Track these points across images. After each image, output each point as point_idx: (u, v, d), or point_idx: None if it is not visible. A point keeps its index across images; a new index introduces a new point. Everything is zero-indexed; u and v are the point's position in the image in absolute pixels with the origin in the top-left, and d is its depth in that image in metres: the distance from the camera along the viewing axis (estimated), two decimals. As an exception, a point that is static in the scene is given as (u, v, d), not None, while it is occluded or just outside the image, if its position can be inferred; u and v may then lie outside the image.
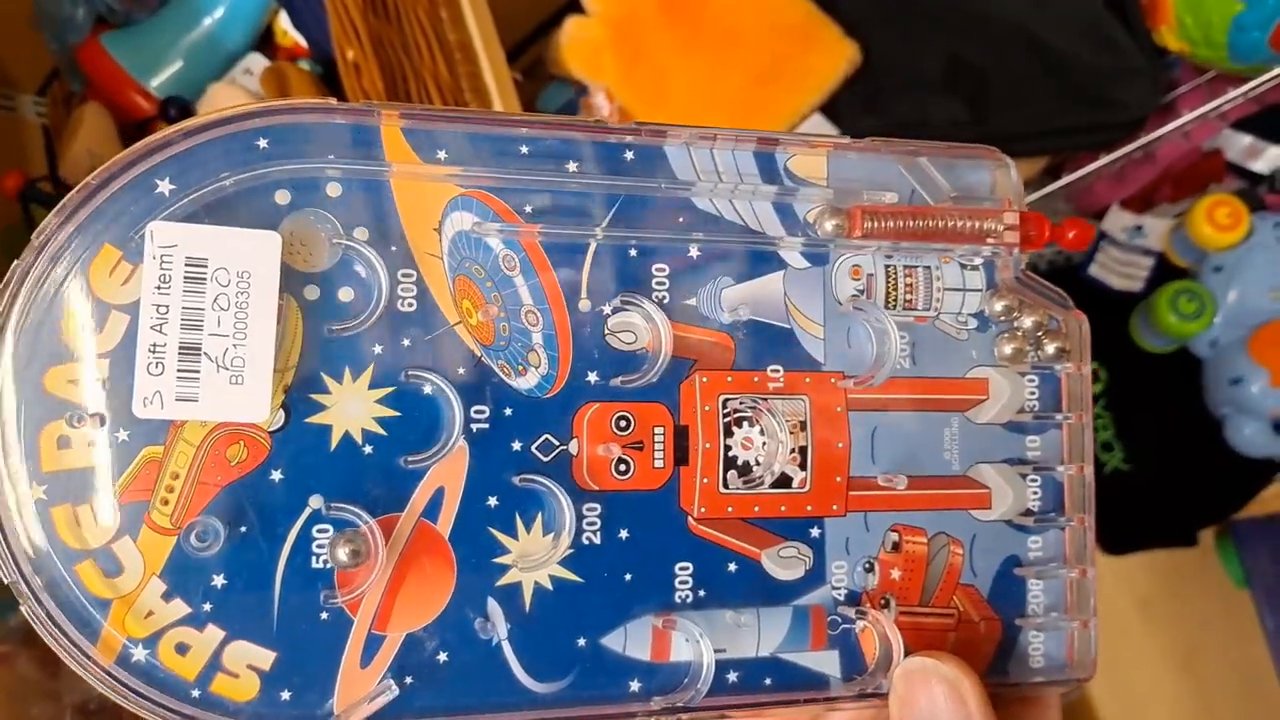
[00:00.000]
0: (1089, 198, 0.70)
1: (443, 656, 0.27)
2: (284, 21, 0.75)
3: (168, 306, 0.24)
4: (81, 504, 0.24)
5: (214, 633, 0.25)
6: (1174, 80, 0.66)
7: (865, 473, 0.30)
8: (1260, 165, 0.66)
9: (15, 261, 0.24)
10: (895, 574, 0.30)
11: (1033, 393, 0.32)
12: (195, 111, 0.65)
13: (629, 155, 0.28)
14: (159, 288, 0.24)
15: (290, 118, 0.26)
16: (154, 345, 0.24)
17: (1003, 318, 0.31)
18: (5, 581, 0.24)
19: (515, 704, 0.27)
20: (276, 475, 0.26)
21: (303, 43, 0.75)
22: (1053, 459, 0.32)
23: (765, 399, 0.29)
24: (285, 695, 0.25)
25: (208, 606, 0.25)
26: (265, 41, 0.77)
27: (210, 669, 0.25)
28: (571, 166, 0.28)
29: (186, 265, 0.24)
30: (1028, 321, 0.31)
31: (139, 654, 0.25)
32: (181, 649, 0.25)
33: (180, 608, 0.25)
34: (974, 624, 0.31)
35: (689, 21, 0.64)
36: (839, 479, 0.30)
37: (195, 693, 0.25)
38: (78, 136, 0.67)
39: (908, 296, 0.30)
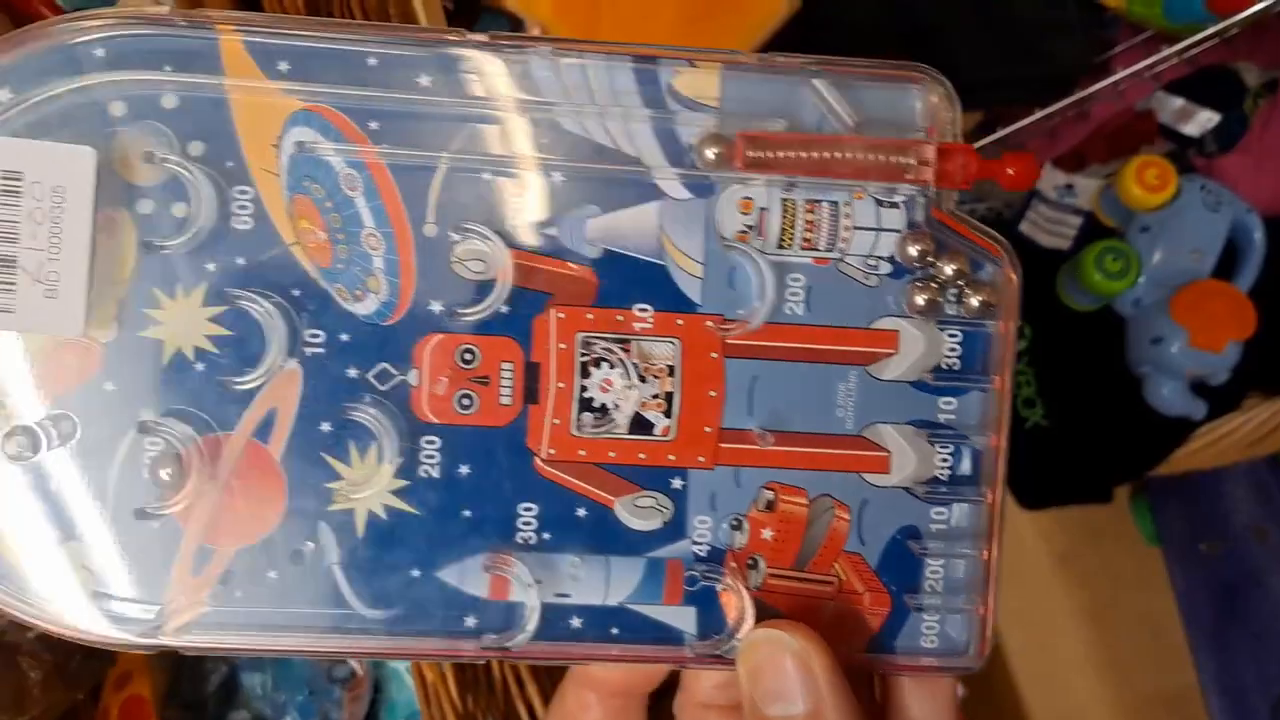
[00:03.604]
0: (1021, 155, 0.69)
1: (272, 574, 0.27)
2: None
3: (-19, 219, 0.24)
4: (-75, 401, 0.26)
5: (48, 531, 0.26)
6: (1111, 39, 0.65)
7: (740, 425, 0.28)
8: (1190, 128, 0.66)
9: None
10: (767, 534, 0.28)
11: (953, 349, 0.28)
12: None
13: (487, 67, 0.26)
14: (-25, 199, 0.24)
15: (127, 28, 0.25)
16: (-31, 257, 0.24)
17: (918, 264, 0.27)
18: None
19: (343, 627, 0.27)
20: (109, 386, 0.26)
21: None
22: (968, 425, 0.28)
23: (629, 340, 0.27)
24: (118, 596, 0.26)
25: (43, 507, 0.26)
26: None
27: (45, 566, 0.26)
28: (423, 80, 0.26)
29: (2, 179, 0.24)
30: (948, 269, 0.27)
31: None
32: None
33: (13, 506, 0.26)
34: (858, 595, 0.28)
35: (624, -44, 0.63)
36: (708, 429, 0.28)
37: (34, 585, 0.26)
38: None
39: (807, 235, 0.27)
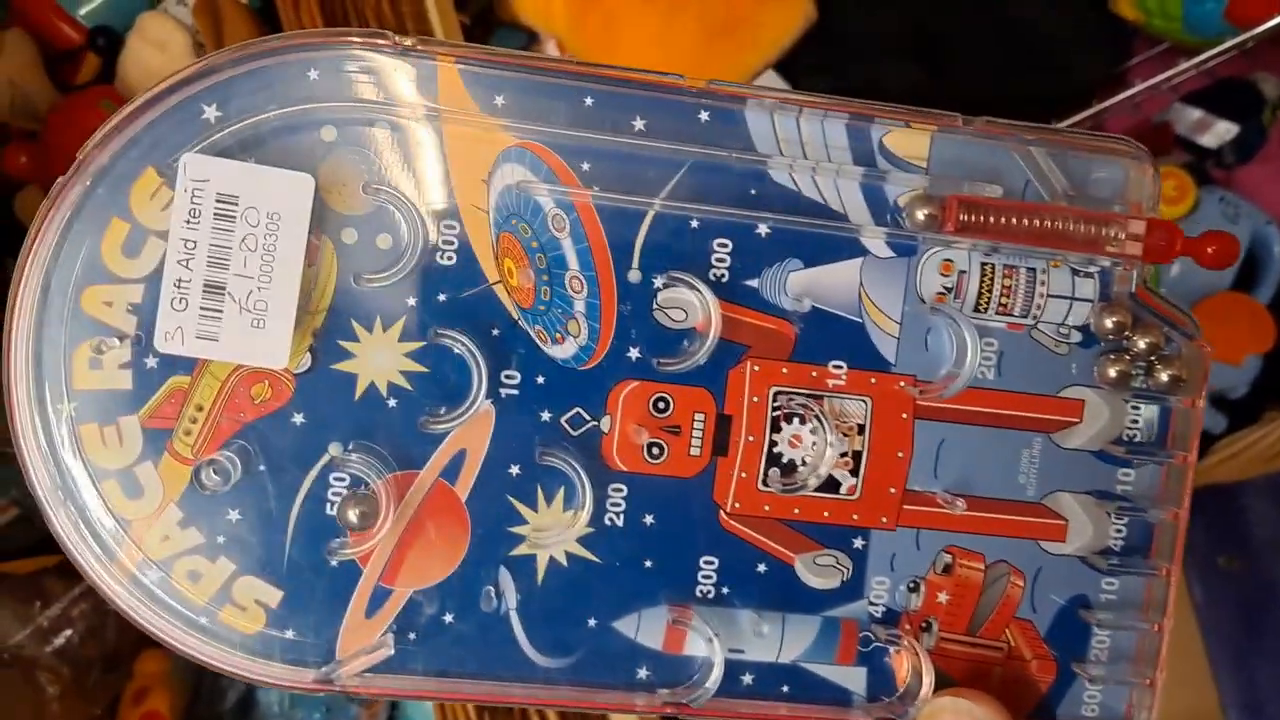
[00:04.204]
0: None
1: (448, 618, 0.26)
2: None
3: (195, 242, 0.23)
4: (108, 425, 0.25)
5: (225, 565, 0.25)
6: (1129, 52, 0.65)
7: (925, 487, 0.27)
8: (1208, 139, 0.64)
9: (59, 179, 0.24)
10: (942, 597, 0.28)
11: (1135, 421, 0.28)
12: (124, 42, 0.61)
13: (704, 116, 0.26)
14: (188, 222, 0.23)
15: (341, 51, 0.25)
16: (179, 280, 0.23)
17: (1112, 335, 0.27)
18: (35, 491, 0.25)
19: (516, 675, 0.27)
20: (298, 419, 0.25)
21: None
22: (1145, 498, 0.28)
23: (822, 396, 0.27)
24: (289, 634, 0.26)
25: (221, 539, 0.25)
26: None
27: (219, 599, 0.25)
28: (638, 124, 0.26)
29: (217, 201, 0.23)
30: (1141, 343, 0.27)
31: (153, 575, 0.25)
32: (194, 576, 0.25)
33: (195, 536, 0.25)
34: (1025, 661, 0.28)
35: (642, -30, 0.62)
36: (893, 490, 0.27)
37: (203, 620, 0.25)
38: None
39: (1003, 300, 0.27)
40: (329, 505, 0.25)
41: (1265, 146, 0.65)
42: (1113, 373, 0.27)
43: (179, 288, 0.23)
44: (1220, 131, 0.64)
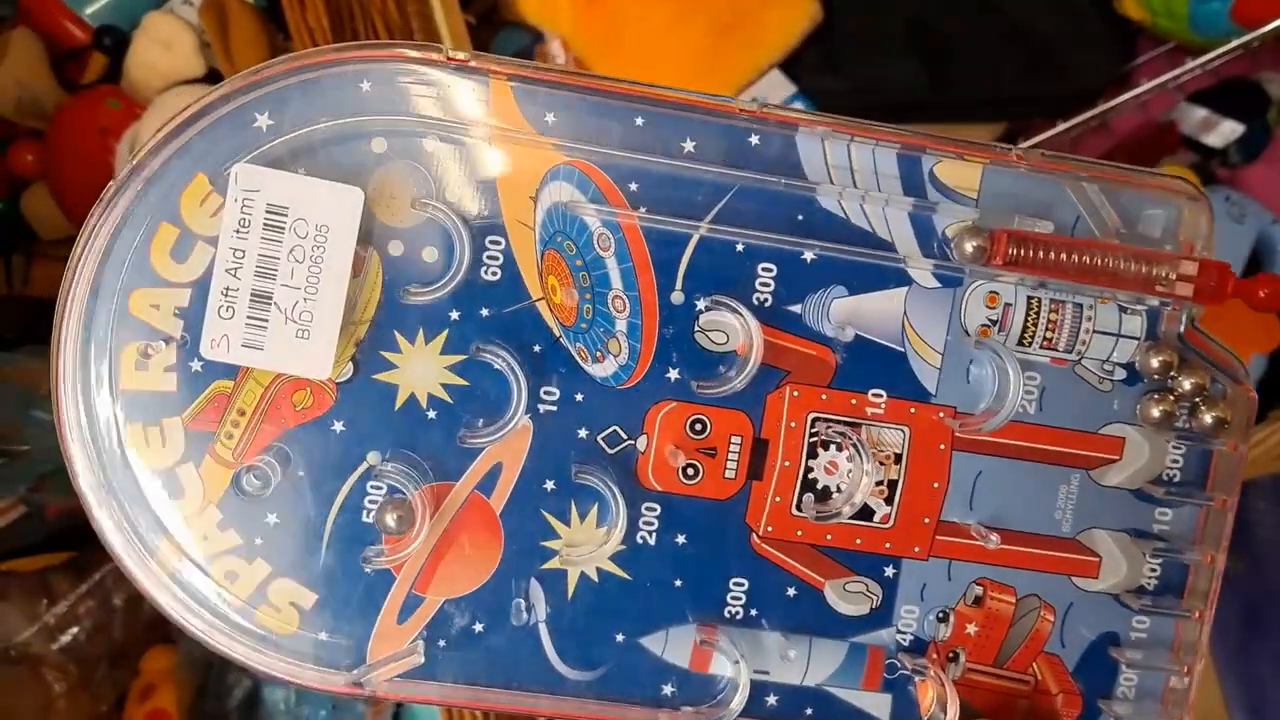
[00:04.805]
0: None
1: (479, 627, 0.26)
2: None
3: (244, 251, 0.24)
4: (152, 425, 0.25)
5: (262, 566, 0.26)
6: (1134, 51, 0.65)
7: (959, 518, 0.27)
8: (1214, 139, 0.64)
9: (111, 182, 0.24)
10: (971, 629, 0.28)
11: (1175, 461, 0.28)
12: (130, 41, 0.61)
13: (754, 140, 0.26)
14: (238, 231, 0.24)
15: (395, 65, 0.25)
16: (227, 289, 0.24)
17: (1158, 375, 0.27)
18: (79, 486, 0.25)
19: (544, 687, 0.27)
20: (338, 426, 0.25)
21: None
22: (1183, 540, 0.28)
23: (860, 424, 0.27)
24: (323, 636, 0.26)
25: (259, 541, 0.26)
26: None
27: (256, 599, 0.26)
28: (688, 145, 0.26)
29: (267, 212, 0.24)
30: (1186, 384, 0.27)
31: (191, 574, 0.25)
32: (230, 576, 0.26)
33: (233, 538, 0.25)
34: (1050, 695, 0.28)
35: (648, -31, 0.62)
36: (927, 520, 0.27)
37: (239, 619, 0.26)
38: (4, 65, 0.63)
39: (1049, 334, 0.27)
40: (366, 513, 0.26)
41: (1271, 146, 0.64)
42: (1156, 412, 0.27)
43: (226, 296, 0.24)
44: (1226, 131, 0.64)
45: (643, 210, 0.26)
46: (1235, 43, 0.57)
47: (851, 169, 0.26)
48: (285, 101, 0.24)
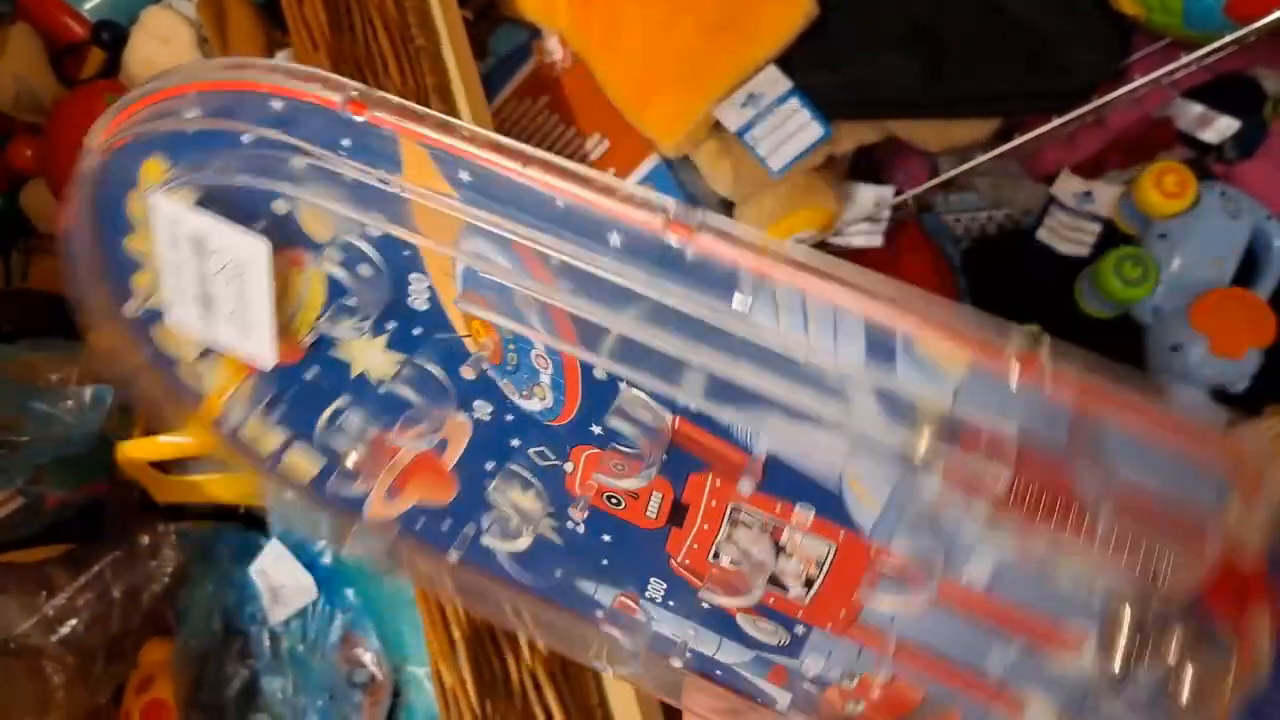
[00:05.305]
0: (1039, 161, 0.72)
1: (445, 526, 0.30)
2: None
3: (179, 265, 0.25)
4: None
5: (282, 433, 0.30)
6: (1129, 47, 0.65)
7: (879, 626, 0.26)
8: (1209, 135, 0.65)
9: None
10: (875, 693, 0.28)
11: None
12: (128, 36, 0.60)
13: (688, 253, 0.21)
14: (172, 246, 0.24)
15: (299, 95, 0.22)
16: (176, 287, 0.25)
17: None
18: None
19: (493, 572, 0.31)
20: (308, 376, 0.28)
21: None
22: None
23: (783, 526, 0.25)
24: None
25: (278, 415, 0.30)
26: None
27: (279, 453, 0.31)
28: (614, 239, 0.21)
29: (190, 239, 0.24)
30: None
31: (233, 422, 0.31)
32: (260, 432, 0.31)
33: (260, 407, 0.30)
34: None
35: (645, -35, 0.58)
36: (844, 614, 0.26)
37: (269, 464, 0.31)
38: (3, 60, 0.63)
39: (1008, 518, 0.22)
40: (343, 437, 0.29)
41: (1266, 141, 0.64)
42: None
43: (177, 294, 0.25)
44: (1221, 127, 0.64)
45: (567, 286, 0.23)
46: (1230, 37, 0.56)
47: (808, 331, 0.21)
48: (210, 104, 0.23)
